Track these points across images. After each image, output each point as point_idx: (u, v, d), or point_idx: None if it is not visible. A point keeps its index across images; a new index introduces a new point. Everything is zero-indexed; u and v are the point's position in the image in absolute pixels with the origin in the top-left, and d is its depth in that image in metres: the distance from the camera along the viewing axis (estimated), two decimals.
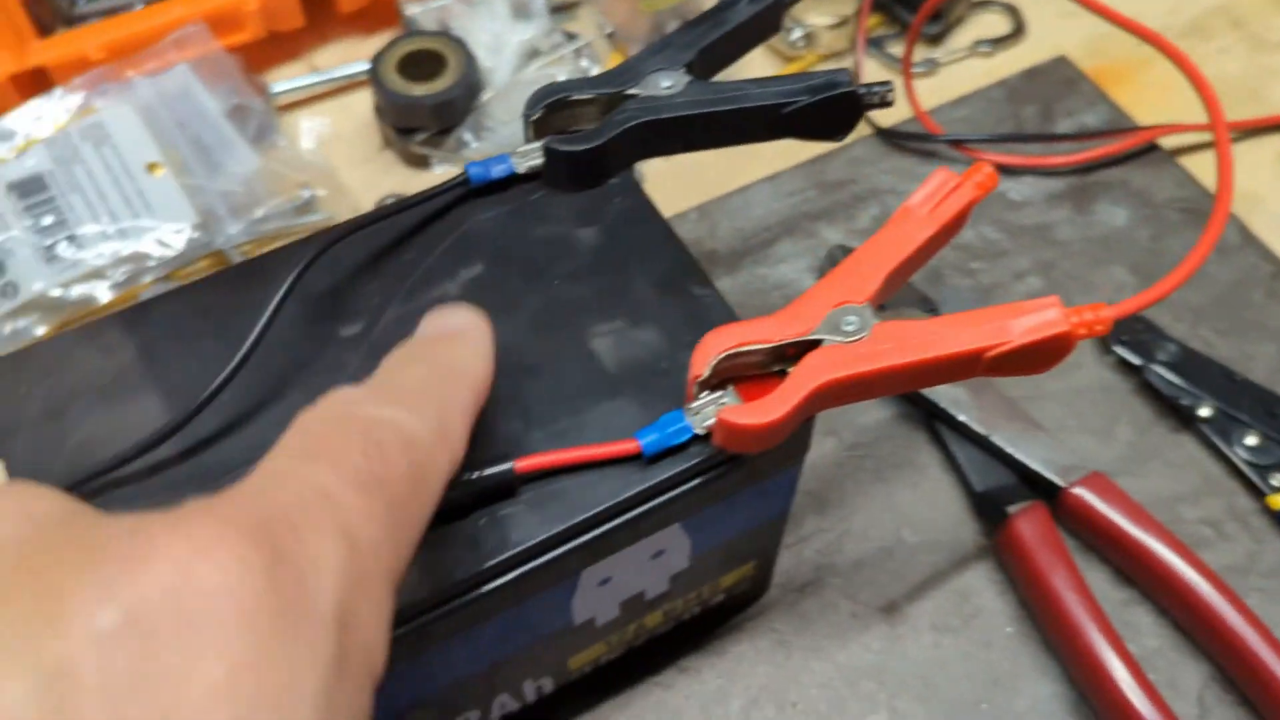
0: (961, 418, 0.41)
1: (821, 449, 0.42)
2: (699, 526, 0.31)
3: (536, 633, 0.31)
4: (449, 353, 0.24)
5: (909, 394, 0.43)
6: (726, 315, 0.30)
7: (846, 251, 0.42)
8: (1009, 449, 0.40)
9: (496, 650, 0.30)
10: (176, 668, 0.14)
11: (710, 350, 0.27)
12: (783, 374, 0.27)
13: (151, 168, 0.43)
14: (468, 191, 0.32)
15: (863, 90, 0.32)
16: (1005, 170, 0.50)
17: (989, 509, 0.40)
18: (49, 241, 0.42)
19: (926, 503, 0.41)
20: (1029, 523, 0.38)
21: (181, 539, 0.15)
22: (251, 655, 0.15)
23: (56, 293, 0.41)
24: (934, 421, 0.42)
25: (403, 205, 0.32)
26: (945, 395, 0.42)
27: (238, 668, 0.15)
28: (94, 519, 0.17)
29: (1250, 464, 0.41)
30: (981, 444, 0.41)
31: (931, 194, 0.29)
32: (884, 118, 0.51)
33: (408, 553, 0.20)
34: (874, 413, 0.44)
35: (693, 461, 0.28)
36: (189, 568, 0.15)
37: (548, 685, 0.34)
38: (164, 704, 0.14)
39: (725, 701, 0.37)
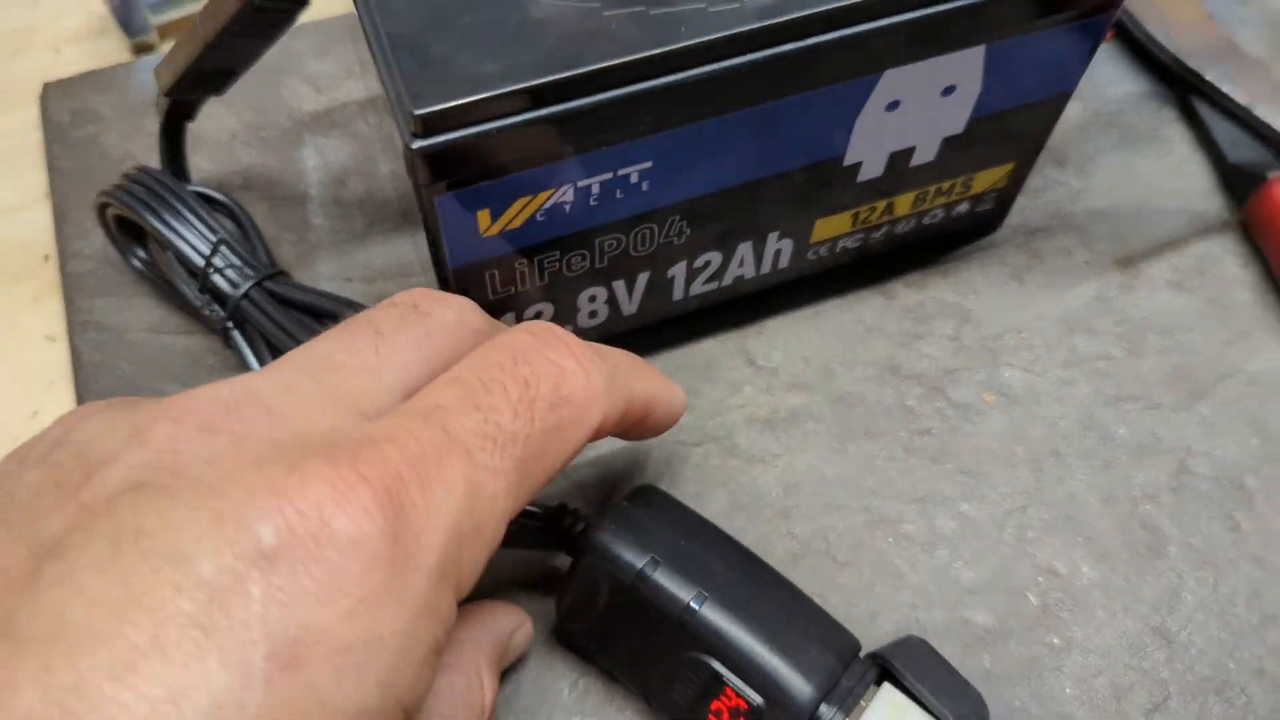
0: (1224, 88, 0.39)
1: (1065, 112, 0.41)
2: (998, 64, 0.29)
3: (809, 152, 0.29)
4: (651, 368, 0.26)
5: (1164, 67, 0.41)
6: None
7: None
8: (1274, 122, 0.38)
9: (768, 155, 0.29)
10: (312, 596, 0.17)
11: None
12: None
13: None
14: None
15: None
16: None
17: (1241, 180, 0.38)
18: None
19: (1171, 174, 0.39)
20: None
21: (326, 485, 0.18)
22: (360, 603, 0.17)
23: None
24: (1189, 97, 0.40)
25: None
26: (1210, 69, 0.39)
27: (349, 613, 0.17)
28: (265, 444, 0.18)
29: None
30: (1241, 118, 0.39)
31: None
32: None
33: (529, 496, 0.21)
34: (1123, 85, 0.41)
35: None
36: (328, 516, 0.17)
37: (786, 252, 0.33)
38: (299, 620, 0.17)
39: (953, 322, 0.36)
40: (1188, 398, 0.35)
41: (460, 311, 0.24)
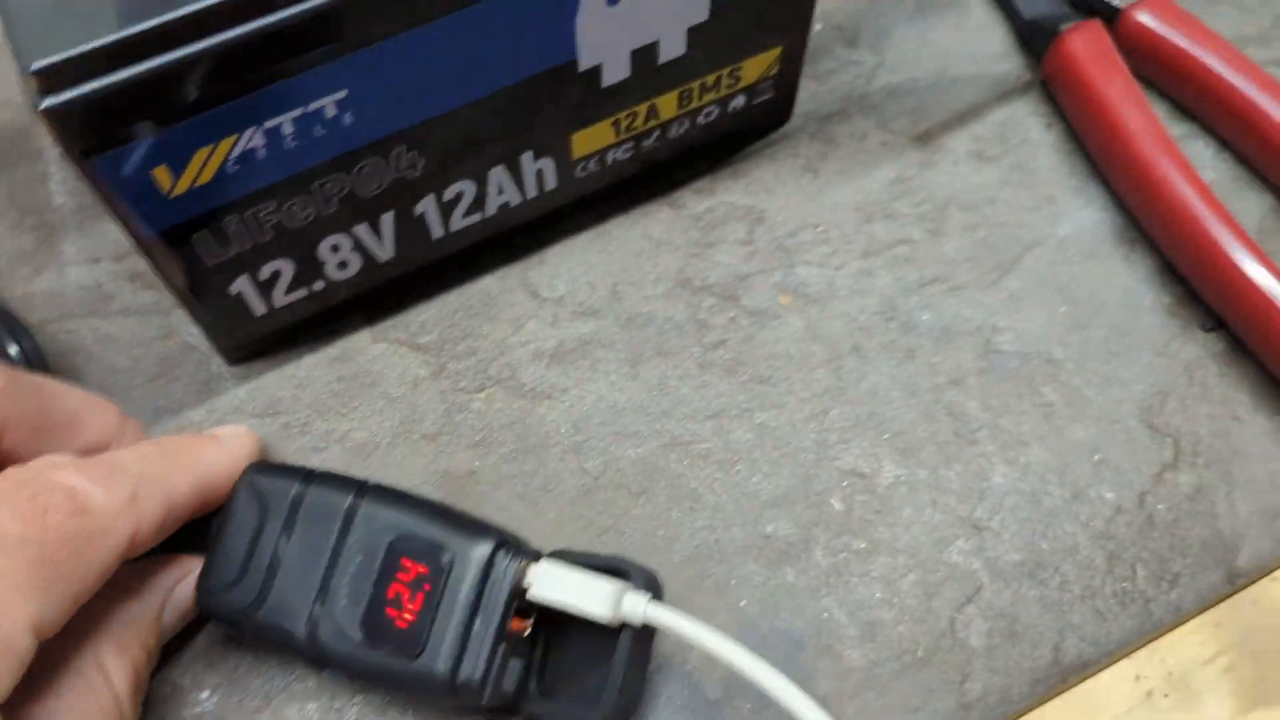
0: None
1: None
2: None
3: (534, 59, 0.27)
4: (188, 445, 0.26)
5: None
6: None
7: None
8: None
9: (485, 67, 0.26)
10: None
11: None
12: None
13: None
14: None
15: None
16: None
17: (1038, 36, 0.36)
18: None
19: (969, 39, 0.37)
20: (1083, 38, 0.34)
21: None
22: None
23: None
24: None
25: None
26: None
27: None
28: None
29: None
30: None
31: None
32: None
33: (58, 607, 0.21)
34: None
35: None
36: None
37: (549, 172, 0.31)
38: None
39: (745, 225, 0.34)
40: (994, 273, 0.33)
41: None
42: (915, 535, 0.29)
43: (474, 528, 0.25)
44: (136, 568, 0.26)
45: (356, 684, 0.27)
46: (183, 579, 0.26)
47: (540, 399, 0.31)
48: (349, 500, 0.25)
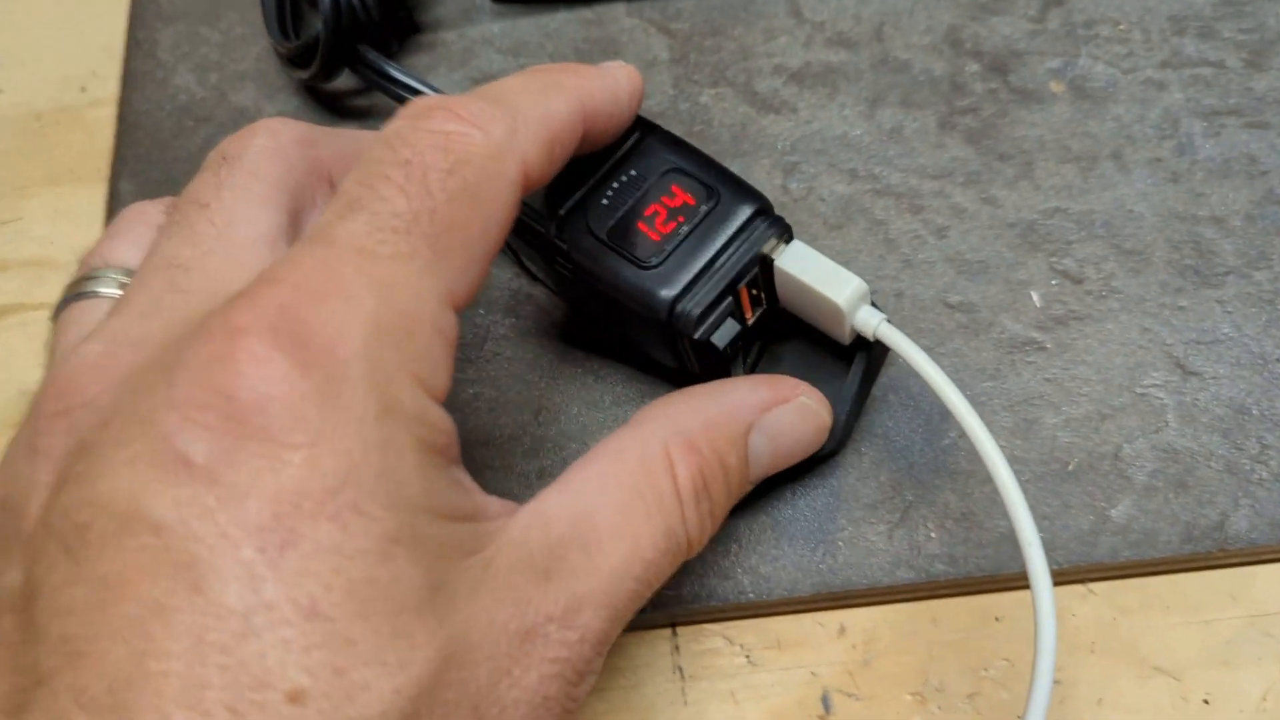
0: None
1: None
2: None
3: None
4: (568, 73, 0.23)
5: None
6: None
7: None
8: None
9: None
10: (263, 472, 0.16)
11: None
12: None
13: None
14: None
15: None
16: None
17: None
18: None
19: None
20: None
21: (213, 367, 0.17)
22: (313, 447, 0.17)
23: None
24: None
25: None
26: None
27: (308, 463, 0.17)
28: (146, 379, 0.18)
29: None
30: None
31: None
32: None
33: (466, 270, 0.20)
34: None
35: None
36: (230, 392, 0.17)
37: None
38: (267, 501, 0.16)
39: (1041, 2, 0.31)
40: None
41: (270, 133, 0.23)
42: (1110, 354, 0.27)
43: (747, 189, 0.25)
44: (727, 382, 0.24)
45: (578, 295, 0.26)
46: (782, 403, 0.24)
47: (767, 111, 0.30)
48: (636, 133, 0.25)
